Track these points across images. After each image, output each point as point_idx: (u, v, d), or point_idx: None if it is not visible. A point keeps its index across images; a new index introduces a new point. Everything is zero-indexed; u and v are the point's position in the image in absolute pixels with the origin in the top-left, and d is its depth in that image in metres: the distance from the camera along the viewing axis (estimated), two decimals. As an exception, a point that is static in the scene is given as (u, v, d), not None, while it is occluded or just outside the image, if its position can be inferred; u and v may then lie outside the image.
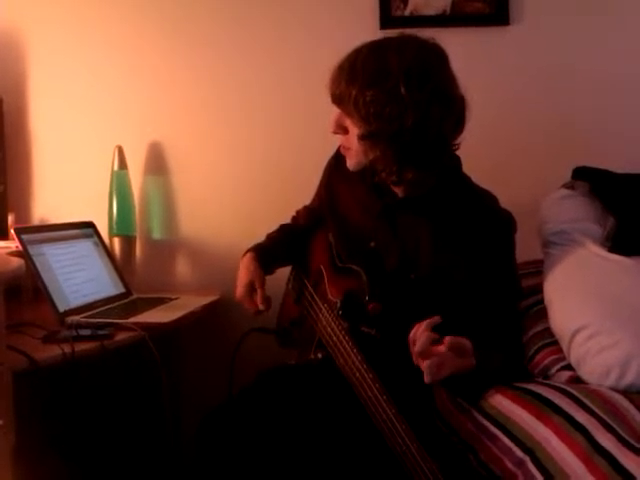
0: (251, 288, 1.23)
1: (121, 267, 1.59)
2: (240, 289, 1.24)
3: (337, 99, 1.10)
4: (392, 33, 1.14)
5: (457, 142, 1.11)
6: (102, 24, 1.69)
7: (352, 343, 1.05)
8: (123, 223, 1.65)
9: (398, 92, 1.03)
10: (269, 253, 1.31)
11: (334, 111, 1.13)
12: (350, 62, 1.08)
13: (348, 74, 1.07)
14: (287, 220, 1.44)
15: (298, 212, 1.42)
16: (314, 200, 1.37)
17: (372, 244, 1.17)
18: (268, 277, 1.28)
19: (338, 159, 1.26)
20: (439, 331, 1.12)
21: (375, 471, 0.97)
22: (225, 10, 1.67)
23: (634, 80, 1.61)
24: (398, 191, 1.16)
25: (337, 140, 1.21)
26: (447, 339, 0.92)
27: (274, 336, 1.32)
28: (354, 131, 1.10)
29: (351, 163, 1.15)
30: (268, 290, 1.25)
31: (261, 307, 1.22)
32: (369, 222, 1.18)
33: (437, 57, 1.08)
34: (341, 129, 1.13)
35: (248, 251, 1.30)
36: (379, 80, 1.04)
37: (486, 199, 1.17)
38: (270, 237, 1.36)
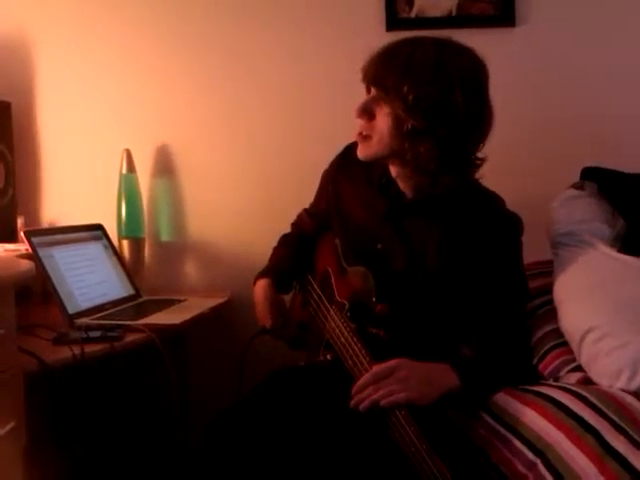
0: (274, 312, 1.23)
1: (130, 269, 1.60)
2: (266, 315, 1.24)
3: (380, 85, 1.07)
4: (399, 35, 1.13)
5: (483, 157, 1.12)
6: (109, 28, 1.69)
7: (360, 344, 1.05)
8: (132, 225, 1.66)
9: (454, 96, 1.03)
10: (283, 274, 1.30)
11: (353, 106, 1.10)
12: (407, 53, 1.05)
13: (405, 65, 1.04)
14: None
15: (300, 217, 1.41)
16: (315, 204, 1.35)
17: (379, 246, 1.17)
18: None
19: (343, 160, 1.25)
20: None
21: (384, 472, 0.96)
22: (233, 13, 1.67)
23: (643, 80, 1.61)
24: (407, 192, 1.16)
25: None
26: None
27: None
28: (383, 120, 1.08)
29: (367, 152, 1.12)
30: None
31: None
32: (375, 224, 1.18)
33: (486, 72, 1.10)
34: (367, 114, 1.09)
35: (262, 276, 1.28)
36: (437, 79, 1.04)
37: (493, 201, 1.16)
38: (280, 257, 1.35)
